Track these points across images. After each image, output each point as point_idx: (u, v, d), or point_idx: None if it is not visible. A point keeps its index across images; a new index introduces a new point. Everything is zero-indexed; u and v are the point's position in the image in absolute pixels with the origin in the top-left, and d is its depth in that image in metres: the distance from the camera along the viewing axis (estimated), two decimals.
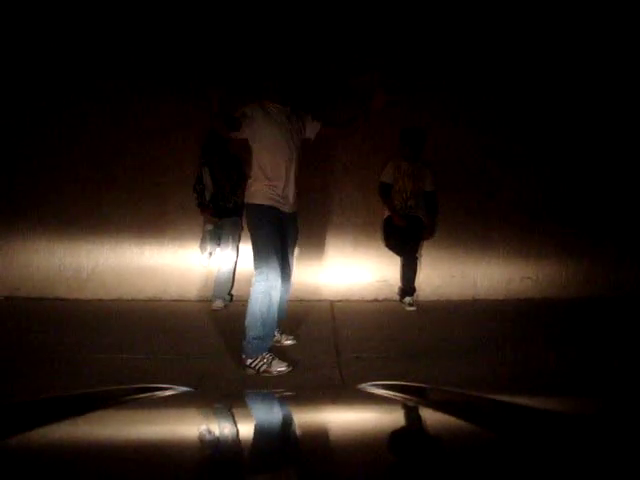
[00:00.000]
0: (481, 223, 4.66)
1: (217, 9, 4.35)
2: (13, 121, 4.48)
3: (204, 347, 3.16)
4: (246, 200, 2.80)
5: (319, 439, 0.68)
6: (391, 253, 4.46)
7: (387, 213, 4.33)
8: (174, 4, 4.37)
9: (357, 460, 0.54)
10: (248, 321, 2.66)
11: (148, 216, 4.54)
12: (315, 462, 0.54)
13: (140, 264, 4.56)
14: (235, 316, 3.25)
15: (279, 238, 2.72)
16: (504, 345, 3.07)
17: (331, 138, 3.64)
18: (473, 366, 2.73)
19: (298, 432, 0.73)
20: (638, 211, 4.57)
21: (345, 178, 4.61)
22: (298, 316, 3.73)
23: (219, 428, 0.75)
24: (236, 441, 0.67)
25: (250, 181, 2.79)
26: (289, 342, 3.18)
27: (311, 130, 2.92)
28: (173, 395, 0.95)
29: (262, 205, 2.71)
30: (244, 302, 2.80)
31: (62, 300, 4.48)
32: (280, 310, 2.82)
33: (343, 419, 0.81)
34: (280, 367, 2.63)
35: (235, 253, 4.23)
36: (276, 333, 2.99)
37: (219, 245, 4.23)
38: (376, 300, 4.63)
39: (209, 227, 4.23)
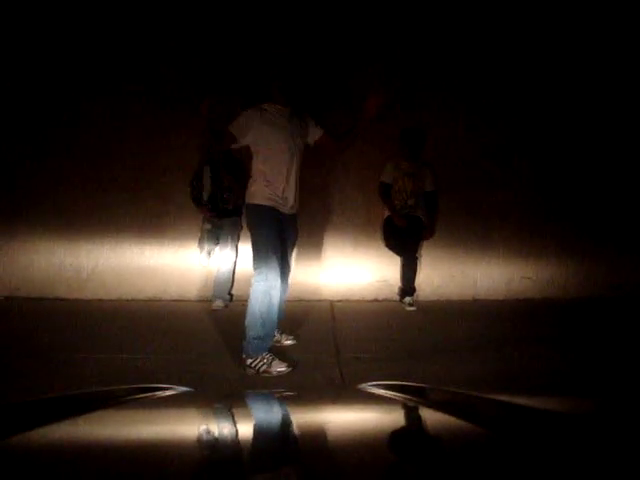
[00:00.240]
0: (481, 223, 4.66)
1: (217, 9, 4.35)
2: (13, 121, 4.49)
3: (204, 347, 3.16)
4: (246, 200, 2.81)
5: (319, 439, 0.68)
6: (391, 253, 4.46)
7: (387, 213, 4.33)
8: (176, 4, 4.37)
9: (357, 460, 0.54)
10: (248, 321, 2.66)
11: (148, 216, 4.54)
12: (315, 462, 0.54)
13: (140, 264, 4.56)
14: (235, 316, 3.25)
15: (278, 239, 2.72)
16: (504, 345, 3.08)
17: (327, 154, 3.65)
18: (473, 366, 2.73)
19: (298, 432, 0.73)
20: (638, 211, 4.58)
21: (345, 178, 4.61)
22: (298, 316, 3.73)
23: (219, 428, 0.75)
24: (236, 441, 0.67)
25: (250, 181, 2.80)
26: (289, 342, 3.18)
27: (312, 135, 2.92)
28: (173, 395, 0.95)
29: (262, 205, 2.72)
30: (244, 302, 2.80)
31: (62, 300, 4.48)
32: (278, 310, 2.82)
33: (343, 419, 0.81)
34: (280, 367, 2.62)
35: (235, 253, 4.23)
36: (276, 333, 2.99)
37: (217, 244, 4.23)
38: (376, 300, 4.63)
39: (207, 226, 4.23)
